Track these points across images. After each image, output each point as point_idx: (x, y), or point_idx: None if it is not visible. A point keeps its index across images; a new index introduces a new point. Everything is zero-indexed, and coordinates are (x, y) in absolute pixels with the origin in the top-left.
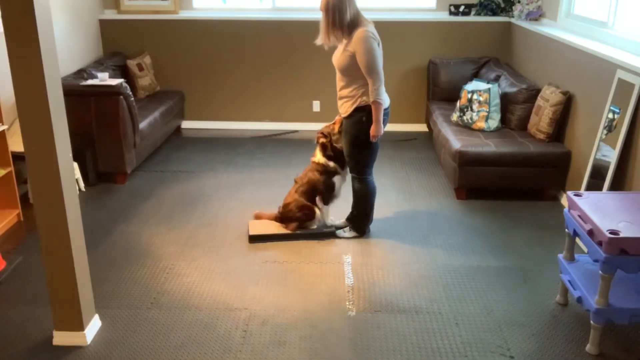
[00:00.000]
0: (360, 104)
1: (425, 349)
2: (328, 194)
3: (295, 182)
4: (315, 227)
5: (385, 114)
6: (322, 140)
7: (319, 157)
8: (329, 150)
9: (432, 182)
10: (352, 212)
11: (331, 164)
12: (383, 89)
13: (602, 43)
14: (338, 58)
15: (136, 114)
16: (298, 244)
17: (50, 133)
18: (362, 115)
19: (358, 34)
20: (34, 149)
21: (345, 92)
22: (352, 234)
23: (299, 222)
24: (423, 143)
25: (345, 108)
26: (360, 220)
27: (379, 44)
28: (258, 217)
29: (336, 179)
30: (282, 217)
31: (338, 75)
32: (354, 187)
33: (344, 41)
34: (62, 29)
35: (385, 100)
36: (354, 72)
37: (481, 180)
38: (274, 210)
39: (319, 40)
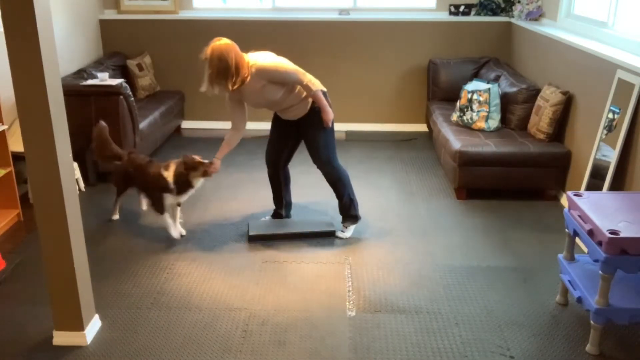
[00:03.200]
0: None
1: (425, 349)
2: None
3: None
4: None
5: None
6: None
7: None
8: (183, 176)
9: (432, 182)
10: (338, 204)
11: (171, 180)
12: (313, 77)
13: (602, 43)
14: (256, 97)
15: (136, 114)
16: (298, 244)
17: (50, 133)
18: (316, 105)
19: (255, 64)
20: (34, 149)
21: (291, 101)
22: (350, 229)
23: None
24: (423, 143)
25: (300, 110)
26: (347, 207)
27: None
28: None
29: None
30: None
31: (271, 104)
32: (328, 179)
33: (251, 80)
34: (62, 29)
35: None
36: (284, 89)
37: (481, 180)
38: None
39: (203, 88)
